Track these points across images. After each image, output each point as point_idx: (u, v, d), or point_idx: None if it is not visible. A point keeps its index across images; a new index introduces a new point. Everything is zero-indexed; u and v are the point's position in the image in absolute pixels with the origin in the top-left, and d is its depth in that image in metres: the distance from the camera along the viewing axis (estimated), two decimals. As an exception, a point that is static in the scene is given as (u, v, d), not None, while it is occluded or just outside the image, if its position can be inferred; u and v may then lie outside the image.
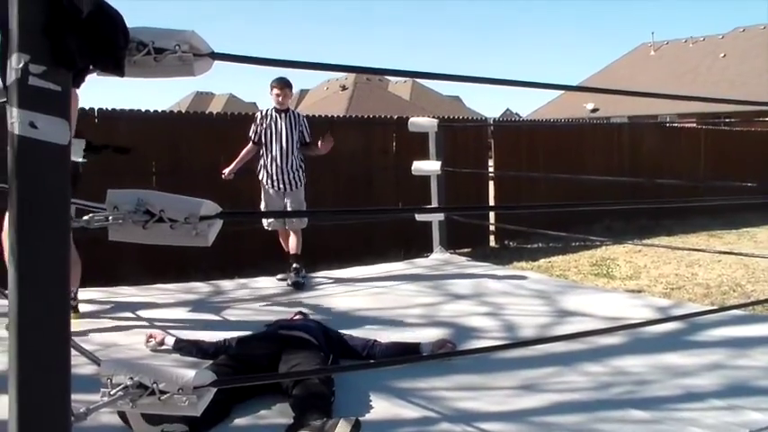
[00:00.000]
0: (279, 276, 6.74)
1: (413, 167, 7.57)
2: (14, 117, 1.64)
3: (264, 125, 6.64)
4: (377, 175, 10.10)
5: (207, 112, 14.10)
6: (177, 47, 1.92)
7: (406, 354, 4.15)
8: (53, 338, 1.72)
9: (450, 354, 3.90)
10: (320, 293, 6.20)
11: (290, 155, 6.57)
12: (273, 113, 6.65)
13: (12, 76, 1.64)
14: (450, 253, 8.05)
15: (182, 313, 5.41)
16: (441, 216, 7.77)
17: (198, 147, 8.69)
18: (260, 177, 6.71)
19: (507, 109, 72.72)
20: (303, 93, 43.44)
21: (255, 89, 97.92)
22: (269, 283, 6.58)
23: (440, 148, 7.79)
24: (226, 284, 6.53)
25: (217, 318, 5.30)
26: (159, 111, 9.21)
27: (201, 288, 6.31)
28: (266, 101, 6.86)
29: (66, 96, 1.69)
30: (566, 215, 10.99)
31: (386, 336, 4.48)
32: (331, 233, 8.72)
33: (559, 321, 5.17)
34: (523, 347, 4.30)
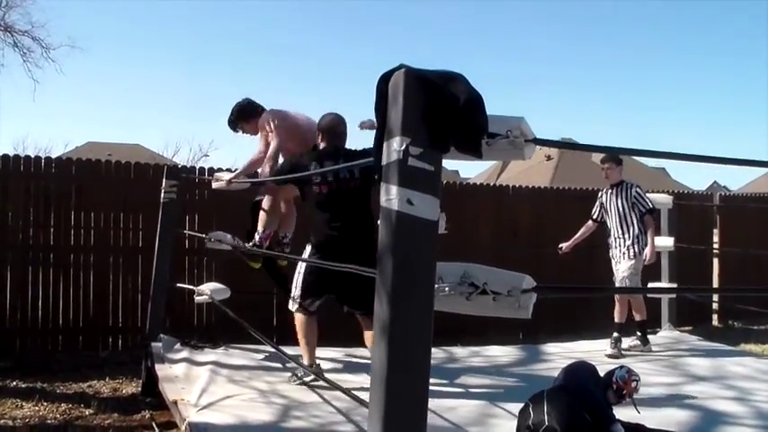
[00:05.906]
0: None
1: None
2: (393, 194, 1.82)
3: (602, 201, 7.07)
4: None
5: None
6: (509, 132, 2.04)
7: None
8: (414, 389, 1.90)
9: None
10: (552, 366, 6.14)
11: (621, 227, 6.81)
12: (608, 189, 7.00)
13: (392, 156, 1.84)
14: (680, 331, 7.81)
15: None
16: (672, 293, 7.58)
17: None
18: None
19: (715, 182, 69.57)
20: (505, 162, 43.27)
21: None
22: (499, 352, 6.62)
23: (673, 225, 7.65)
24: (458, 351, 6.65)
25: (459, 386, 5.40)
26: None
27: (437, 354, 6.40)
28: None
29: (437, 177, 1.86)
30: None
31: (628, 414, 4.38)
32: (552, 306, 8.54)
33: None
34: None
